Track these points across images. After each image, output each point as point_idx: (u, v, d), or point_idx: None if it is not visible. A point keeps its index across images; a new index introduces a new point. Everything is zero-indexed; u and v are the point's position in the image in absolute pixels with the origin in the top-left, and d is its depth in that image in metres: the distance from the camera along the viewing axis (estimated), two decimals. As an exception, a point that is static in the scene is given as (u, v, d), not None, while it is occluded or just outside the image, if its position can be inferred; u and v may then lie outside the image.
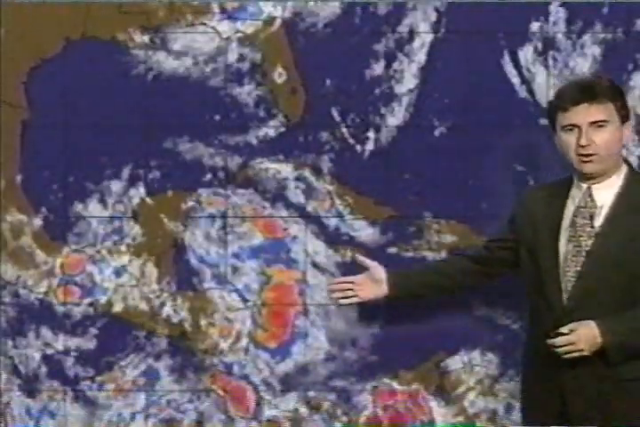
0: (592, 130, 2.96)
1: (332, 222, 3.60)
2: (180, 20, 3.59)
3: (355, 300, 3.40)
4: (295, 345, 3.61)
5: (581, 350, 2.91)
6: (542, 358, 3.02)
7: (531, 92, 3.55)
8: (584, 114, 2.96)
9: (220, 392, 3.62)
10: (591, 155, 2.96)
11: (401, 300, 3.41)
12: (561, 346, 2.92)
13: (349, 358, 3.61)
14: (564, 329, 2.93)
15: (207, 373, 3.62)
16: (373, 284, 3.36)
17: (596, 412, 2.95)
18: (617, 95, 3.01)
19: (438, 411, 3.60)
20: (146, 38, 3.59)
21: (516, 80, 3.55)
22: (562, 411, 3.00)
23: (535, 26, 3.55)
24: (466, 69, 3.54)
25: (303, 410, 3.62)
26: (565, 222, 3.02)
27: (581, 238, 2.98)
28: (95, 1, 3.57)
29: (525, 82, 3.54)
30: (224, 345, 3.62)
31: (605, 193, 2.99)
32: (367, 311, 3.59)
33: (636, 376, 2.95)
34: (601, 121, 2.96)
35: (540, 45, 3.55)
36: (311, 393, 3.62)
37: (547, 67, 3.55)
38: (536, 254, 3.05)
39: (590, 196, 3.00)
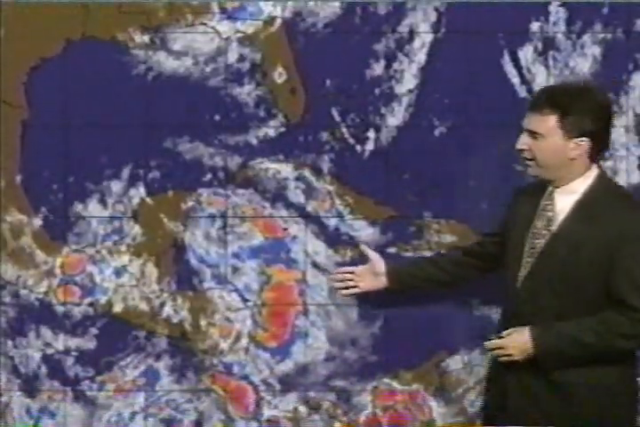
0: (529, 136, 2.97)
1: (332, 222, 3.60)
2: (179, 20, 3.59)
3: (355, 291, 3.46)
4: (295, 345, 3.61)
5: (510, 355, 2.95)
6: (493, 356, 3.10)
7: (531, 92, 3.54)
8: (527, 120, 2.99)
9: (220, 392, 3.63)
10: (529, 159, 3.00)
11: (398, 292, 3.43)
12: (493, 349, 2.97)
13: (349, 358, 3.61)
14: (503, 333, 2.98)
15: (207, 373, 3.62)
16: (373, 276, 3.42)
17: (535, 411, 2.98)
18: (569, 110, 2.95)
19: (438, 411, 3.60)
20: (146, 38, 3.59)
21: (515, 80, 3.55)
22: (504, 408, 3.04)
23: (535, 26, 3.55)
24: (466, 69, 3.54)
25: (303, 410, 3.62)
26: (532, 224, 3.04)
27: (536, 241, 3.01)
28: (95, 1, 3.57)
29: (525, 82, 3.54)
30: (224, 345, 3.62)
31: (566, 198, 3.00)
32: (367, 311, 3.59)
33: (566, 380, 2.97)
34: (535, 132, 2.96)
35: (539, 45, 3.55)
36: (311, 393, 3.62)
37: (547, 67, 3.55)
38: (507, 253, 3.08)
39: (552, 200, 3.01)
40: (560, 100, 2.96)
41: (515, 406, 3.03)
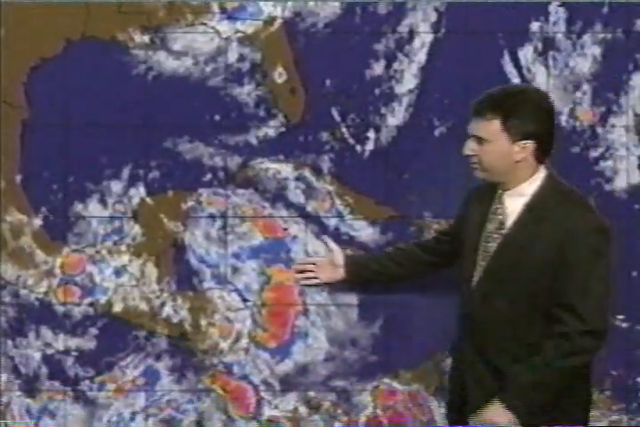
0: (475, 141, 2.98)
1: (332, 222, 3.60)
2: (179, 20, 3.59)
3: (315, 281, 3.52)
4: (295, 345, 3.61)
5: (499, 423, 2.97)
6: (455, 351, 3.14)
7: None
8: (472, 126, 3.00)
9: (220, 392, 3.62)
10: (475, 163, 3.01)
11: (357, 284, 3.49)
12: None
13: (349, 358, 3.61)
14: (479, 413, 3.01)
15: (207, 373, 3.62)
16: (332, 267, 3.47)
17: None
18: (511, 113, 2.95)
19: (438, 411, 3.60)
20: (146, 38, 3.59)
21: (516, 80, 3.55)
22: (463, 402, 3.06)
23: (535, 26, 3.55)
24: (466, 69, 3.54)
25: (303, 410, 3.62)
26: (484, 227, 3.05)
27: (489, 244, 3.02)
28: (95, 1, 3.57)
29: (525, 82, 3.54)
30: (224, 345, 3.62)
31: (516, 201, 3.01)
32: (367, 311, 3.59)
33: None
34: (480, 137, 2.97)
35: (540, 45, 3.55)
36: (311, 393, 3.62)
37: (547, 67, 3.55)
38: (462, 256, 3.09)
39: (502, 203, 3.02)
40: (502, 104, 2.96)
41: (473, 400, 3.04)
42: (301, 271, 3.53)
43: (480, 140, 2.97)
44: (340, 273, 3.46)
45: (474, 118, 2.99)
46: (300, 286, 3.57)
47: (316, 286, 3.55)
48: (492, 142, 2.96)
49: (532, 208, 2.98)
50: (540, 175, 3.02)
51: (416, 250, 3.41)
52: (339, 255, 3.47)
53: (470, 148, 3.00)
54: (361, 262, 3.47)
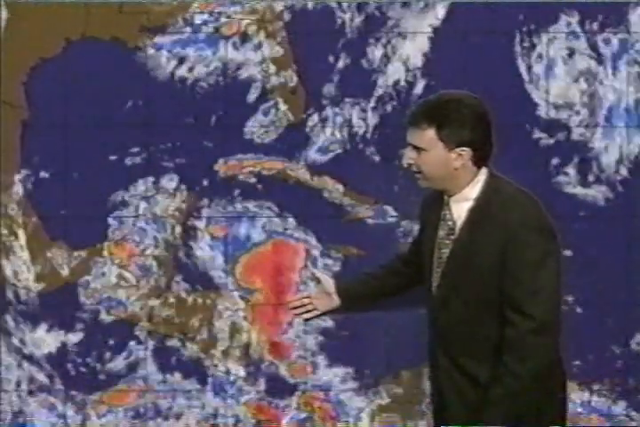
0: (413, 150, 2.97)
1: (332, 222, 3.60)
2: (179, 20, 3.59)
3: (316, 313, 3.42)
4: (295, 345, 3.62)
5: None
6: (429, 357, 3.11)
7: (530, 92, 3.55)
8: (409, 136, 2.98)
9: (222, 392, 3.63)
10: (417, 172, 2.99)
11: (352, 309, 3.45)
12: None
13: (349, 358, 3.62)
14: None
15: (207, 372, 3.62)
16: (327, 296, 3.39)
17: (469, 412, 3.00)
18: (445, 122, 2.93)
19: (438, 411, 3.60)
20: (146, 38, 3.59)
21: (516, 80, 3.55)
22: (441, 408, 3.07)
23: (536, 26, 3.55)
24: (466, 69, 3.54)
25: (303, 410, 3.63)
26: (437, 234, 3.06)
27: (442, 251, 3.02)
28: (95, 1, 3.57)
29: (525, 82, 3.54)
30: (224, 345, 3.62)
31: (461, 206, 3.00)
32: (367, 311, 3.59)
33: (487, 380, 2.98)
34: (416, 147, 2.97)
35: (539, 45, 3.55)
36: (311, 393, 3.62)
37: (546, 67, 3.56)
38: (422, 264, 3.10)
39: (449, 209, 3.03)
40: (435, 113, 2.94)
41: (447, 404, 3.05)
42: (298, 306, 3.42)
43: (417, 149, 2.97)
44: (335, 301, 3.37)
45: (410, 128, 2.97)
46: (303, 321, 3.50)
47: (317, 317, 3.49)
48: (429, 151, 2.96)
49: (475, 212, 2.99)
50: (481, 178, 3.01)
51: (398, 265, 3.38)
52: (329, 283, 3.40)
53: (409, 156, 2.99)
54: (350, 287, 3.41)
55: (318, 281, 3.38)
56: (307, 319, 3.45)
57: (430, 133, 2.93)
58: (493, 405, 2.93)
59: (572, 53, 3.56)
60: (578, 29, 3.56)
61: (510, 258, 2.91)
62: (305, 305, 3.41)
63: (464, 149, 2.94)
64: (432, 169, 2.96)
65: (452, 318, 3.01)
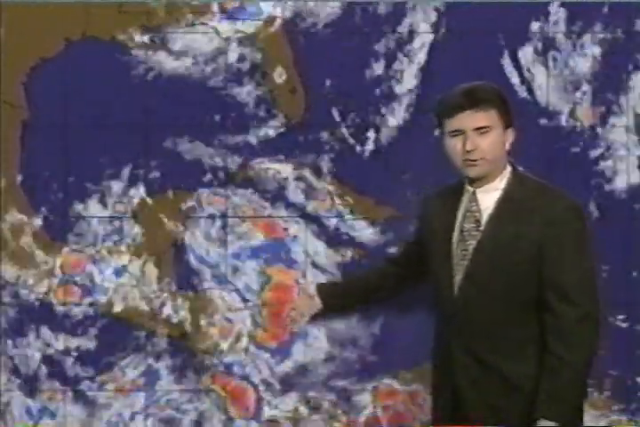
0: (477, 135, 2.98)
1: (332, 222, 3.60)
2: (179, 20, 3.59)
3: (304, 319, 3.47)
4: (295, 345, 3.61)
5: None
6: (441, 356, 3.10)
7: (531, 92, 3.55)
8: (468, 120, 2.98)
9: (220, 392, 3.63)
10: (476, 159, 2.99)
11: (337, 310, 3.48)
12: None
13: (349, 358, 3.61)
14: None
15: (207, 373, 3.62)
16: (309, 299, 3.44)
17: (489, 410, 2.99)
18: (500, 102, 3.01)
19: (438, 411, 3.59)
20: (146, 38, 3.59)
21: (515, 80, 3.55)
22: (454, 406, 3.04)
23: (535, 26, 3.55)
24: (466, 69, 3.54)
25: (303, 410, 3.62)
26: (457, 227, 3.04)
27: (467, 243, 3.01)
28: (95, 1, 3.57)
29: (525, 82, 3.54)
30: (224, 345, 3.62)
31: (489, 197, 3.01)
32: (367, 311, 3.59)
33: (520, 377, 2.98)
34: (484, 127, 2.97)
35: (539, 45, 3.55)
36: (311, 393, 3.62)
37: (547, 67, 3.55)
38: (433, 259, 3.08)
39: (475, 200, 3.02)
40: (491, 94, 3.01)
41: (466, 404, 3.03)
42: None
43: (482, 130, 2.97)
44: (317, 303, 3.43)
45: (466, 113, 2.97)
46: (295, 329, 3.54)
47: (306, 323, 3.51)
48: (492, 132, 2.98)
49: (505, 203, 3.00)
50: (508, 170, 3.04)
51: (385, 264, 3.40)
52: (309, 285, 3.46)
53: (473, 143, 2.99)
54: (331, 288, 3.45)
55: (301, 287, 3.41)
56: (297, 328, 3.49)
57: (493, 113, 2.98)
58: (555, 399, 2.90)
59: (574, 54, 3.55)
60: (580, 30, 3.55)
61: (553, 246, 2.91)
62: (290, 314, 3.46)
63: (510, 129, 3.01)
64: (494, 151, 2.99)
65: (478, 312, 2.99)
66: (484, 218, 3.01)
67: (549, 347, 2.93)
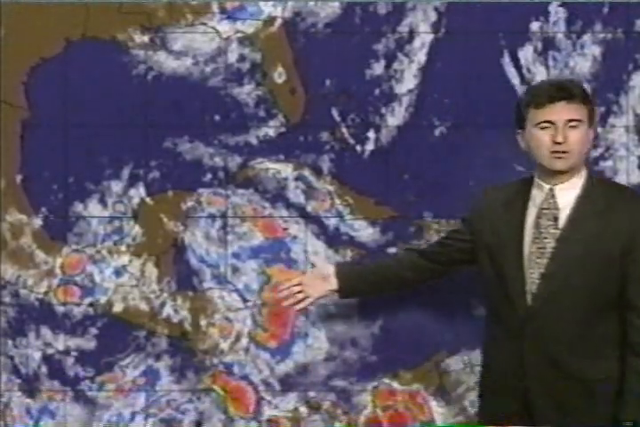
0: (567, 128, 2.97)
1: (332, 222, 3.60)
2: (179, 20, 3.59)
3: (308, 301, 3.34)
4: (295, 345, 3.61)
5: None
6: (506, 358, 3.04)
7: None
8: (562, 111, 2.98)
9: (220, 392, 3.63)
10: (564, 151, 2.97)
11: (352, 295, 3.40)
12: None
13: (349, 358, 3.61)
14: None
15: (207, 373, 3.62)
16: (322, 280, 3.33)
17: (561, 411, 2.97)
18: (588, 99, 3.03)
19: (438, 411, 3.60)
20: (146, 38, 3.59)
21: (515, 80, 3.55)
22: (524, 411, 3.02)
23: (535, 26, 3.55)
24: (466, 69, 3.54)
25: (303, 410, 3.62)
26: (528, 224, 3.02)
27: (545, 240, 2.99)
28: (95, 1, 3.57)
29: (525, 82, 3.54)
30: (224, 345, 3.62)
31: (567, 195, 3.00)
32: (367, 311, 3.59)
33: (599, 377, 2.96)
34: (576, 120, 2.97)
35: (539, 45, 3.55)
36: (311, 393, 3.62)
37: (547, 67, 3.55)
38: (498, 256, 3.04)
39: (553, 197, 3.01)
40: (583, 90, 3.03)
41: (539, 408, 3.00)
42: (287, 296, 3.34)
43: (573, 123, 2.97)
44: (331, 284, 3.30)
45: (559, 104, 2.96)
46: (295, 309, 3.40)
47: (311, 304, 3.39)
48: (582, 126, 2.99)
49: (586, 201, 2.98)
50: (584, 170, 3.05)
51: (415, 257, 3.30)
52: (326, 265, 3.38)
53: (563, 134, 2.97)
54: (353, 270, 3.35)
55: (312, 265, 3.33)
56: (299, 309, 3.40)
57: (583, 108, 2.99)
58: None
59: (574, 54, 3.55)
60: (580, 30, 3.55)
61: (636, 249, 2.92)
62: (296, 293, 3.35)
63: (593, 129, 3.05)
64: (581, 145, 3.00)
65: (559, 311, 2.96)
66: (563, 216, 3.00)
67: (635, 348, 2.92)
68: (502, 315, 3.05)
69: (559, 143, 2.96)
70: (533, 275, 2.98)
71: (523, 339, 2.99)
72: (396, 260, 3.37)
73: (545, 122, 2.98)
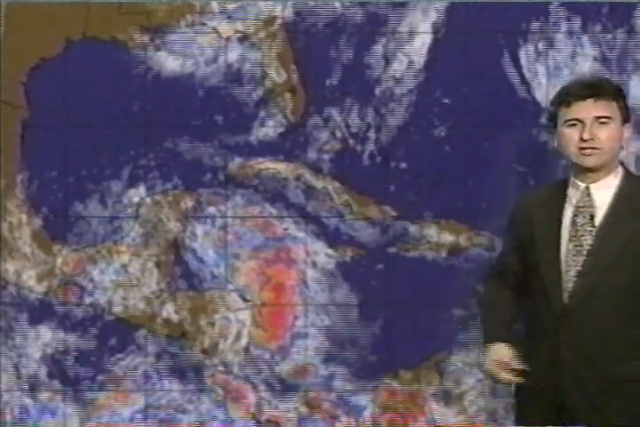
0: (596, 125, 2.97)
1: (332, 222, 3.60)
2: (179, 20, 3.59)
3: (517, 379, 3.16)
4: (295, 345, 3.61)
5: None
6: (541, 357, 3.03)
7: (531, 92, 3.55)
8: (589, 109, 2.98)
9: (220, 392, 3.63)
10: (593, 148, 2.97)
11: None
12: None
13: (349, 358, 3.61)
14: None
15: (207, 373, 3.62)
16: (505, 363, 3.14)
17: (595, 411, 2.96)
18: (619, 96, 3.03)
19: (438, 411, 3.60)
20: (146, 38, 3.59)
21: (515, 80, 3.55)
22: (560, 410, 3.00)
23: (535, 26, 3.55)
24: (466, 69, 3.54)
25: (303, 410, 3.62)
26: (565, 222, 3.02)
27: (582, 238, 2.98)
28: (95, 1, 3.57)
29: (525, 82, 3.54)
30: (224, 345, 3.62)
31: (603, 193, 3.00)
32: (367, 311, 3.59)
33: (634, 378, 2.95)
34: (605, 117, 2.97)
35: (540, 45, 3.55)
36: (311, 393, 3.62)
37: (547, 67, 3.55)
38: (536, 254, 3.04)
39: (589, 195, 3.01)
40: (613, 87, 3.02)
41: (572, 407, 2.99)
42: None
43: (603, 119, 2.97)
44: (509, 358, 3.11)
45: (587, 102, 2.96)
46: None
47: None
48: (612, 123, 2.98)
49: (622, 200, 2.98)
50: (620, 169, 3.04)
51: (512, 285, 3.17)
52: (500, 351, 3.12)
53: (592, 132, 2.98)
54: (509, 335, 3.17)
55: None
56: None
57: (613, 105, 2.99)
58: None
59: (574, 54, 3.55)
60: (580, 30, 3.55)
61: None
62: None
63: (627, 125, 3.03)
64: (611, 143, 2.99)
65: (596, 308, 2.94)
66: (600, 214, 3.00)
67: None
68: (540, 314, 3.04)
69: (586, 140, 2.97)
70: (570, 273, 2.98)
71: (558, 337, 2.98)
72: (503, 299, 3.21)
73: (573, 120, 2.99)
